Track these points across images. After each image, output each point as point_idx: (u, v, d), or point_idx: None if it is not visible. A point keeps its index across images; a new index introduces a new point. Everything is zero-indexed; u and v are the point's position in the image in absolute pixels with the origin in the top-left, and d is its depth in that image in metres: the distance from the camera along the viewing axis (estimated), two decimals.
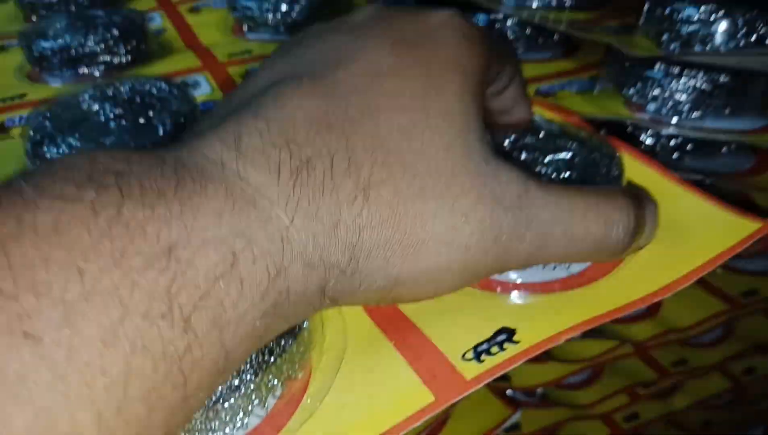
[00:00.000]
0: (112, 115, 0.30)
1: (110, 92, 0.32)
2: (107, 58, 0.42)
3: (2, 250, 0.13)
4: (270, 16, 0.45)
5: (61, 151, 0.29)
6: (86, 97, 0.32)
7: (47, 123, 0.31)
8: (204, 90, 0.38)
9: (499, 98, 0.25)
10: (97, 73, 0.41)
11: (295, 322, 0.18)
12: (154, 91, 0.32)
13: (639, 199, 0.21)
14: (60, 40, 0.41)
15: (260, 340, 0.16)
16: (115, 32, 0.42)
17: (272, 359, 0.19)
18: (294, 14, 0.45)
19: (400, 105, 0.19)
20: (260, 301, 0.15)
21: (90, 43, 0.41)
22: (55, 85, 0.41)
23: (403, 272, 0.18)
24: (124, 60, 0.42)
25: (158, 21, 0.50)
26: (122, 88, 0.33)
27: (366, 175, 0.17)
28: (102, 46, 0.41)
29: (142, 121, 0.30)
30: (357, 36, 0.20)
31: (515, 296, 0.24)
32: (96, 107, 0.31)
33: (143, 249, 0.14)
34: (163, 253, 0.14)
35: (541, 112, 0.33)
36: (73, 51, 0.41)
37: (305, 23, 0.45)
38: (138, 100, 0.32)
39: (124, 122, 0.30)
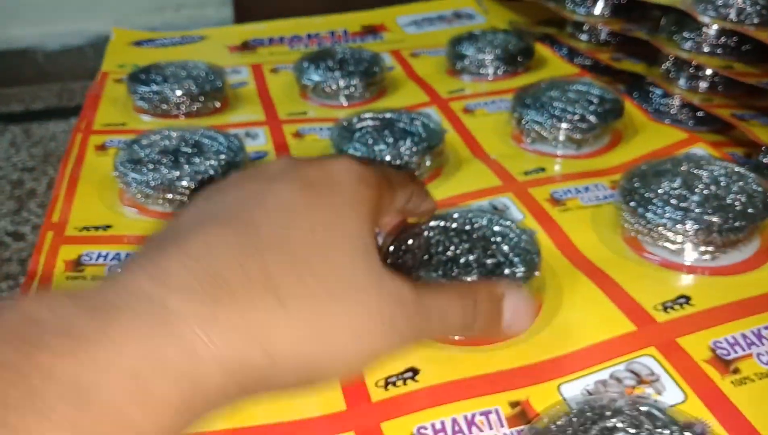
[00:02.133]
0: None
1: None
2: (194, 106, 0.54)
3: None
4: (331, 87, 0.55)
5: None
6: None
7: None
8: (260, 141, 0.49)
9: (408, 206, 0.31)
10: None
11: (216, 411, 0.21)
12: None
13: (499, 294, 0.28)
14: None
15: (181, 431, 0.20)
16: (193, 87, 0.53)
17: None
18: (351, 88, 0.55)
19: (310, 232, 0.23)
20: (174, 413, 0.19)
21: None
22: None
23: (321, 362, 0.22)
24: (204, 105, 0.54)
25: (245, 74, 0.61)
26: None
27: (284, 289, 0.22)
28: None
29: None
30: (271, 182, 0.25)
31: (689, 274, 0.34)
32: None
33: (57, 390, 0.17)
34: (73, 389, 0.17)
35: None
36: None
37: (361, 95, 0.56)
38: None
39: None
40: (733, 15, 0.48)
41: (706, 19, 0.49)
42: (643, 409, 0.24)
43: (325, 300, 0.22)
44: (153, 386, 0.19)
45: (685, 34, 0.52)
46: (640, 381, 0.27)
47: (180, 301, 0.20)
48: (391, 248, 0.32)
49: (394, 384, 0.28)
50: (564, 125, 0.45)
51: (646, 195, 0.36)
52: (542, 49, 0.62)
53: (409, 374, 0.28)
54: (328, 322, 0.22)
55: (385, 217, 0.31)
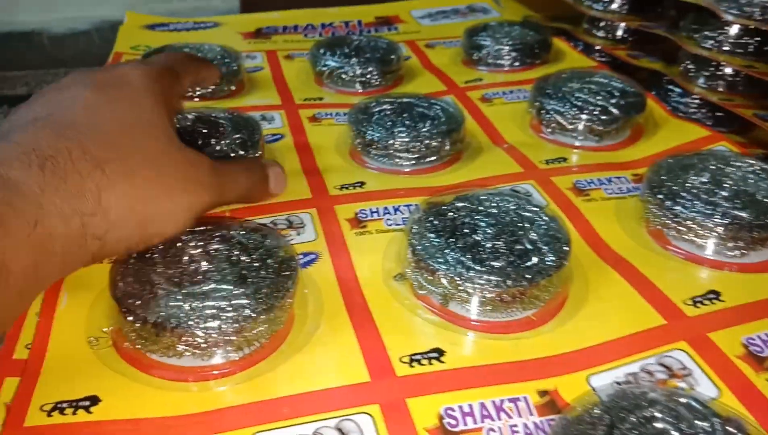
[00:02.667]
0: None
1: None
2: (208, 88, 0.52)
3: None
4: (347, 74, 0.54)
5: None
6: None
7: None
8: (276, 124, 0.48)
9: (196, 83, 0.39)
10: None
11: (74, 259, 0.27)
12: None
13: (264, 165, 0.37)
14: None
15: (41, 263, 0.25)
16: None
17: None
18: (367, 75, 0.54)
19: (115, 121, 0.29)
20: (26, 238, 0.24)
21: None
22: None
23: (147, 215, 0.28)
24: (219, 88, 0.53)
25: (259, 60, 0.60)
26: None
27: (99, 157, 0.27)
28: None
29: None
30: (68, 89, 0.30)
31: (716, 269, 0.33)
32: None
33: None
34: None
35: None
36: None
37: (378, 83, 0.54)
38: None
39: None
40: (757, 14, 0.47)
41: (729, 17, 0.48)
42: (682, 400, 0.23)
43: (142, 168, 0.28)
44: (8, 221, 0.24)
45: (706, 33, 0.51)
46: (672, 375, 0.27)
47: (15, 171, 0.25)
48: (415, 229, 0.32)
49: (419, 362, 0.27)
50: (586, 116, 0.44)
51: (674, 188, 0.35)
52: (559, 43, 0.61)
53: (435, 355, 0.28)
54: (148, 185, 0.28)
55: (179, 99, 0.37)
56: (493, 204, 0.33)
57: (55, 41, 0.75)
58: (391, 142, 0.42)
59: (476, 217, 0.32)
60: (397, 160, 0.42)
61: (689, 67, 0.52)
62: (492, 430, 0.24)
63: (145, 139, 0.29)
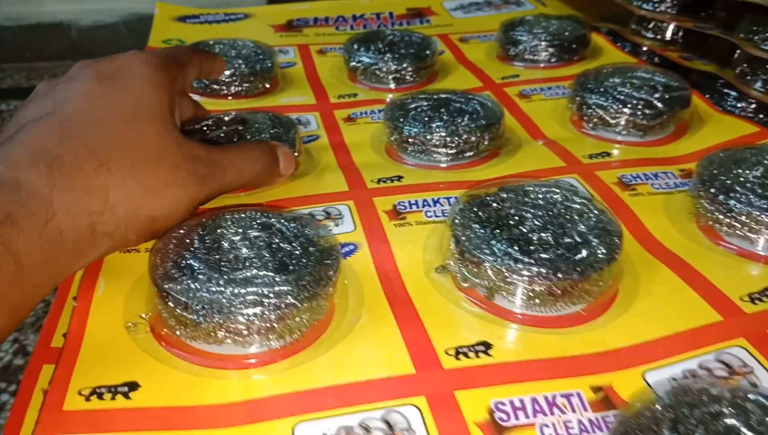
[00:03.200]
0: None
1: None
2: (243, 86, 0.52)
3: None
4: (381, 70, 0.53)
5: None
6: None
7: None
8: (312, 127, 0.47)
9: (203, 74, 0.39)
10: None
11: (85, 254, 0.28)
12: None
13: (273, 147, 0.36)
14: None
15: (53, 259, 0.26)
16: (243, 67, 0.51)
17: None
18: (402, 71, 0.53)
19: (117, 114, 0.30)
20: (38, 236, 0.25)
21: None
22: None
23: (153, 211, 0.29)
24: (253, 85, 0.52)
25: (291, 55, 0.60)
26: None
27: (104, 155, 0.28)
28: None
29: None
30: (70, 82, 0.31)
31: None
32: None
33: None
34: None
35: None
36: None
37: (412, 79, 0.53)
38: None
39: None
40: None
41: None
42: (750, 396, 0.21)
43: (145, 164, 0.29)
44: (20, 219, 0.24)
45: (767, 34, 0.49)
46: (733, 372, 0.25)
47: (23, 172, 0.26)
48: (458, 219, 0.31)
49: (465, 355, 0.26)
50: (629, 111, 0.43)
51: (727, 182, 0.34)
52: (598, 38, 0.60)
53: (482, 348, 0.27)
54: (147, 179, 0.29)
55: (185, 89, 0.38)
56: (539, 195, 0.32)
57: (84, 33, 0.75)
58: (428, 137, 0.41)
59: (522, 209, 0.31)
60: (435, 155, 0.41)
61: (746, 69, 0.51)
62: (545, 425, 0.23)
63: (146, 133, 0.30)
